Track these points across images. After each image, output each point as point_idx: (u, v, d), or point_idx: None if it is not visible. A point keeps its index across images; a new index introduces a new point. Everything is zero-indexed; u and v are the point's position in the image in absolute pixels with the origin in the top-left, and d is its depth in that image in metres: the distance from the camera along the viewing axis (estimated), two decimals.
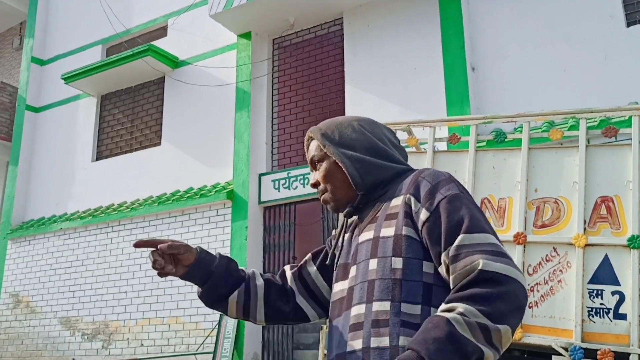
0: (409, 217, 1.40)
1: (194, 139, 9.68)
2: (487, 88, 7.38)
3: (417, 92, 7.79)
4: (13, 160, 11.43)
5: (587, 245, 3.85)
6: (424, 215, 1.37)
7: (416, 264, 1.36)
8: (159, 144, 10.19)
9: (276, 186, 8.76)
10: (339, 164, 1.54)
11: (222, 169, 9.22)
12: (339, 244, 1.63)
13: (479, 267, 1.22)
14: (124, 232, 9.71)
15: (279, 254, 8.66)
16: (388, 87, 8.05)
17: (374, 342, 1.33)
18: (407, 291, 1.34)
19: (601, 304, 3.74)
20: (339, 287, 1.52)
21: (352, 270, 1.47)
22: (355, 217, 1.59)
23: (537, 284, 3.93)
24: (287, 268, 1.74)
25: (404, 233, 1.39)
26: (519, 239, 4.03)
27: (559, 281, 3.88)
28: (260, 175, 8.92)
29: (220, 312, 1.68)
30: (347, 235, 1.60)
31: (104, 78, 10.59)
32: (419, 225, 1.37)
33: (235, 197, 8.75)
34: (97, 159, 10.91)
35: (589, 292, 3.79)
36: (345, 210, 1.57)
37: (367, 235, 1.47)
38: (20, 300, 10.54)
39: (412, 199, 1.40)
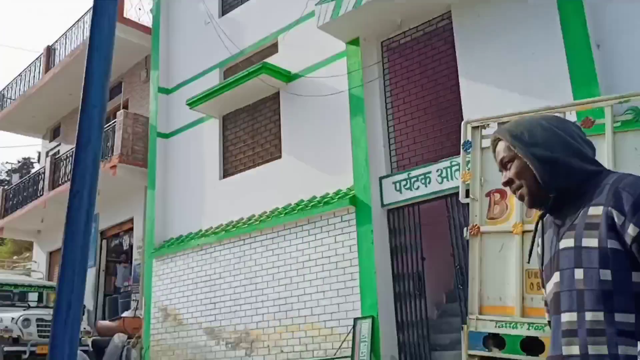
0: (613, 229, 1.47)
1: (313, 149, 9.92)
2: (617, 65, 6.91)
3: (538, 78, 7.45)
4: (150, 185, 12.35)
5: None
6: (632, 230, 1.44)
7: (624, 275, 1.46)
8: (279, 157, 10.55)
9: (397, 188, 8.75)
10: (529, 164, 1.62)
11: (342, 175, 9.36)
12: (540, 246, 1.74)
13: None
14: (255, 244, 10.14)
15: (407, 256, 8.63)
16: (505, 77, 7.78)
17: (592, 350, 1.45)
18: (619, 302, 1.45)
19: None
20: (548, 289, 1.66)
21: (556, 276, 1.59)
22: (549, 216, 1.69)
23: None
24: None
25: (609, 246, 1.47)
26: None
27: None
28: (381, 178, 8.96)
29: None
30: (545, 235, 1.71)
31: (223, 99, 11.16)
32: (628, 239, 1.45)
33: (358, 202, 8.85)
34: (224, 177, 11.50)
35: None
36: (540, 211, 1.68)
37: (568, 242, 1.56)
38: (168, 314, 11.33)
39: (614, 212, 1.47)
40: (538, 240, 1.76)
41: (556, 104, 5.22)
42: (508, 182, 1.68)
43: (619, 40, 7.00)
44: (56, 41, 16.75)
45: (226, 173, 11.54)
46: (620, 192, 1.48)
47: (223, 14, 12.28)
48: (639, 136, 4.09)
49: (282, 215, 9.77)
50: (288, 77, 10.53)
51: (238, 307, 10.06)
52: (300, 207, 9.57)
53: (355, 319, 8.35)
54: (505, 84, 7.73)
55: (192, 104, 11.38)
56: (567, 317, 1.52)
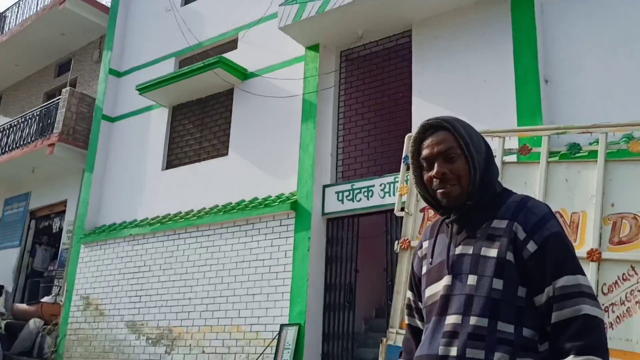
0: (513, 243, 1.53)
1: (260, 150, 9.79)
2: (561, 101, 7.09)
3: (486, 105, 7.57)
4: (88, 168, 11.93)
5: None
6: (531, 247, 1.52)
7: (513, 287, 1.51)
8: (226, 154, 10.37)
9: (340, 198, 8.71)
10: (470, 169, 1.59)
11: (286, 179, 9.27)
12: (425, 250, 1.75)
13: (585, 312, 1.46)
14: (189, 239, 9.90)
15: (341, 266, 8.58)
16: (457, 100, 7.88)
17: (470, 353, 1.47)
18: (504, 311, 1.50)
19: None
20: (431, 291, 1.64)
21: (447, 279, 1.58)
22: (446, 221, 1.68)
23: (612, 304, 3.68)
24: (417, 323, 1.80)
25: (507, 258, 1.52)
26: (593, 255, 3.80)
27: (636, 302, 3.62)
28: (325, 186, 8.90)
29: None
30: (437, 239, 1.70)
31: (175, 89, 10.91)
32: (524, 254, 1.52)
33: (299, 207, 8.76)
34: (166, 168, 11.22)
35: None
36: (452, 216, 1.64)
37: (466, 249, 1.58)
38: (90, 303, 10.91)
39: (519, 227, 1.54)
40: (424, 243, 1.77)
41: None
42: (444, 175, 1.60)
43: (566, 78, 7.19)
44: (8, 9, 16.09)
45: (170, 164, 11.26)
46: (526, 211, 1.57)
47: (185, 4, 12.06)
48: (571, 168, 4.16)
49: (222, 213, 9.58)
50: (244, 74, 10.39)
51: (164, 303, 9.77)
52: (241, 207, 9.41)
53: (282, 325, 8.22)
54: (455, 107, 7.79)
55: (143, 89, 11.08)
56: (453, 319, 1.53)
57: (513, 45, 7.57)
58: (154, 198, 10.97)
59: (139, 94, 11.20)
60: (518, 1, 7.64)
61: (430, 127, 1.65)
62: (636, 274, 3.71)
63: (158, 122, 11.58)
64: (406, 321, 1.83)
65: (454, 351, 1.50)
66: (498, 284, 1.51)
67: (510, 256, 1.52)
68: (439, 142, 1.61)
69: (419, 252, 1.78)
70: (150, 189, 11.15)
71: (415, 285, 1.79)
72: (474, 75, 7.87)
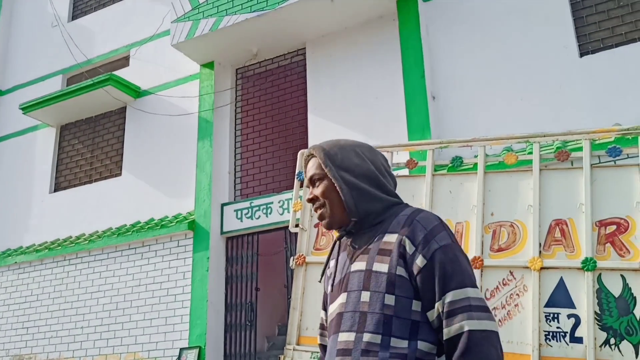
0: (403, 257, 1.52)
1: (156, 169, 9.52)
2: (447, 116, 7.45)
3: (378, 120, 7.82)
4: None
5: (542, 268, 3.83)
6: (420, 261, 1.50)
7: (406, 302, 1.50)
8: (119, 174, 10.00)
9: (239, 216, 8.64)
10: (337, 187, 1.62)
11: (183, 199, 9.07)
12: (331, 269, 1.72)
13: (468, 328, 1.43)
14: (81, 265, 9.42)
15: (242, 285, 8.49)
16: (350, 116, 8.08)
17: None
18: (397, 327, 1.48)
19: (557, 327, 3.70)
20: (331, 310, 1.64)
21: (342, 297, 1.58)
22: (345, 239, 1.69)
23: (494, 308, 3.88)
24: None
25: (397, 273, 1.51)
26: (476, 263, 3.98)
27: (515, 305, 3.84)
28: (223, 205, 8.79)
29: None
30: (339, 257, 1.69)
31: (63, 108, 10.41)
32: (414, 269, 1.50)
33: (197, 227, 8.59)
34: (55, 190, 10.64)
35: (546, 316, 3.76)
36: (340, 233, 1.67)
37: (359, 265, 1.57)
38: None
39: (408, 241, 1.52)
40: (330, 262, 1.76)
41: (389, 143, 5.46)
42: (312, 200, 1.68)
43: (451, 95, 7.58)
44: None
45: (58, 187, 10.68)
46: (415, 224, 1.55)
47: (73, 19, 11.56)
48: (454, 180, 4.37)
49: (116, 236, 9.19)
50: (137, 92, 10.10)
51: (54, 333, 9.20)
52: (136, 228, 9.07)
53: (182, 349, 7.99)
54: (348, 123, 8.01)
55: (27, 108, 10.46)
56: (345, 336, 1.52)
57: (402, 64, 7.88)
58: (41, 223, 10.35)
59: (23, 114, 10.58)
60: (405, 22, 7.98)
61: (308, 156, 1.72)
62: (514, 278, 3.94)
63: (45, 142, 10.98)
64: (319, 341, 1.83)
65: None
66: (390, 299, 1.49)
67: (401, 271, 1.51)
68: (309, 170, 1.69)
69: (327, 272, 1.77)
70: (37, 213, 10.51)
71: (325, 305, 1.79)
72: (366, 92, 8.11)
